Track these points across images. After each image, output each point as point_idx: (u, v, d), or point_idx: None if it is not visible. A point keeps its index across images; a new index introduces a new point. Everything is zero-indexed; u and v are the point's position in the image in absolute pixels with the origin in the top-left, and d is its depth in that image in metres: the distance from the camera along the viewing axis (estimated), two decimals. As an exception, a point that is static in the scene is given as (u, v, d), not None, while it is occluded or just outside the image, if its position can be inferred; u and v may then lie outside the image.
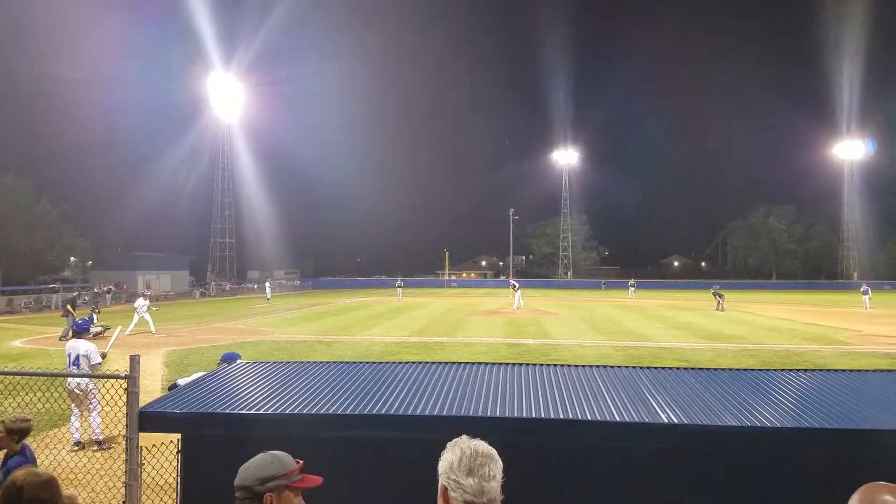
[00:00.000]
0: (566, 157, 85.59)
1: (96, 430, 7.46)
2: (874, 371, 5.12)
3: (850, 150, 76.60)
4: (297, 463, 2.02)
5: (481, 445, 1.68)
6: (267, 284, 45.15)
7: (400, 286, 48.86)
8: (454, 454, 1.65)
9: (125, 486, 3.78)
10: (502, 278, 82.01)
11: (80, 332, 8.19)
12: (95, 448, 7.14)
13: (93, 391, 7.68)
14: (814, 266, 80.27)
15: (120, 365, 7.83)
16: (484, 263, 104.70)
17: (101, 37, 58.62)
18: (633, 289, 45.61)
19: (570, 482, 3.58)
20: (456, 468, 1.62)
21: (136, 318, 21.01)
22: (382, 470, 3.45)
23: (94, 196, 58.40)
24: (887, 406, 3.93)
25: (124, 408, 3.84)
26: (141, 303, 21.46)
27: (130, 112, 60.40)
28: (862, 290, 34.71)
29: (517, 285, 33.67)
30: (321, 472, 3.69)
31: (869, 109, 74.01)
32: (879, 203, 73.18)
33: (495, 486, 1.61)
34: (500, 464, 1.67)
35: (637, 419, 3.52)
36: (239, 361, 5.36)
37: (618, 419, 3.52)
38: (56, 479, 2.29)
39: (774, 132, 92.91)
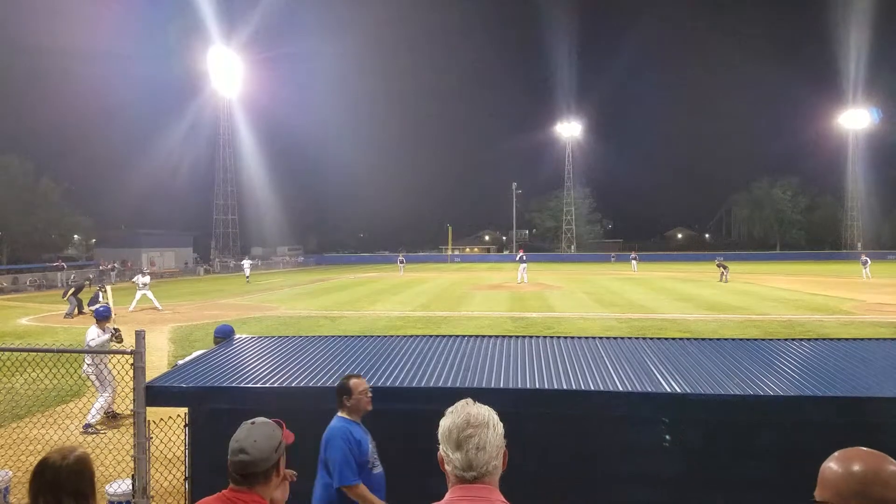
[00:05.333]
0: (569, 130, 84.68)
1: (90, 413, 7.50)
2: (877, 340, 5.12)
3: (855, 120, 75.44)
4: (277, 421, 2.05)
5: (475, 412, 1.61)
6: (245, 263, 42.98)
7: (402, 262, 48.76)
8: (448, 421, 1.61)
9: (134, 460, 3.83)
10: (506, 252, 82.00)
11: (98, 318, 8.31)
12: (82, 430, 7.21)
13: (93, 380, 7.71)
14: (818, 236, 79.84)
15: (126, 341, 7.87)
16: (487, 238, 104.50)
17: (100, 11, 57.84)
18: (635, 262, 46.03)
19: (575, 452, 3.62)
20: (446, 439, 1.58)
21: (137, 294, 21.25)
22: (389, 442, 3.49)
23: (96, 174, 58.34)
24: (890, 374, 3.93)
25: (131, 382, 3.88)
26: (140, 279, 21.69)
27: (131, 88, 59.97)
28: (861, 260, 34.56)
29: (525, 258, 33.21)
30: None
31: (873, 78, 72.64)
32: (884, 172, 72.46)
33: (484, 457, 1.54)
34: (495, 430, 1.59)
35: (641, 389, 3.53)
36: (243, 336, 5.39)
37: (621, 389, 3.54)
38: (87, 457, 2.25)
39: (778, 102, 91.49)
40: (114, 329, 8.29)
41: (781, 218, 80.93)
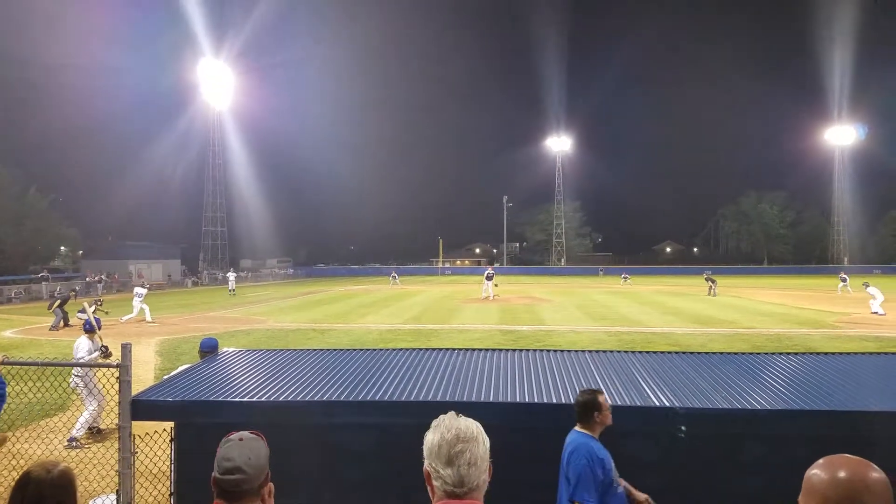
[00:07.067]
0: (560, 145, 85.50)
1: (75, 426, 7.38)
2: (863, 354, 5.18)
3: (841, 136, 76.86)
4: (257, 434, 2.03)
5: (464, 426, 1.59)
6: (230, 276, 42.28)
7: (394, 277, 48.54)
8: (435, 436, 1.58)
9: (118, 475, 3.78)
10: (497, 265, 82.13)
11: (86, 331, 8.23)
12: (66, 445, 7.09)
13: (81, 389, 7.60)
14: (805, 251, 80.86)
15: (113, 354, 7.77)
16: (478, 251, 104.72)
17: (89, 23, 57.72)
18: (627, 278, 48.50)
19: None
20: (435, 455, 1.56)
21: (142, 306, 21.10)
22: (377, 455, 3.47)
23: (84, 185, 58.00)
24: (875, 388, 3.98)
25: (117, 396, 3.83)
26: (139, 291, 21.51)
27: (120, 100, 59.90)
28: (840, 276, 34.79)
29: (492, 274, 31.76)
30: (318, 458, 3.71)
31: (859, 94, 74.30)
32: (870, 188, 73.75)
33: (475, 472, 1.54)
34: (483, 444, 1.58)
35: (629, 403, 3.54)
36: (231, 349, 5.34)
37: (610, 403, 3.55)
38: (71, 471, 2.22)
39: (766, 118, 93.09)
40: (103, 347, 8.17)
41: (768, 232, 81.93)
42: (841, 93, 74.21)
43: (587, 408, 3.23)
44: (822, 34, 72.75)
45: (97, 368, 7.42)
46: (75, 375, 7.62)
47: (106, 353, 8.02)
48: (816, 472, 1.36)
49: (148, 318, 20.66)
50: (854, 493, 1.29)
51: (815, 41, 74.24)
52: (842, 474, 1.32)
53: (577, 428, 3.27)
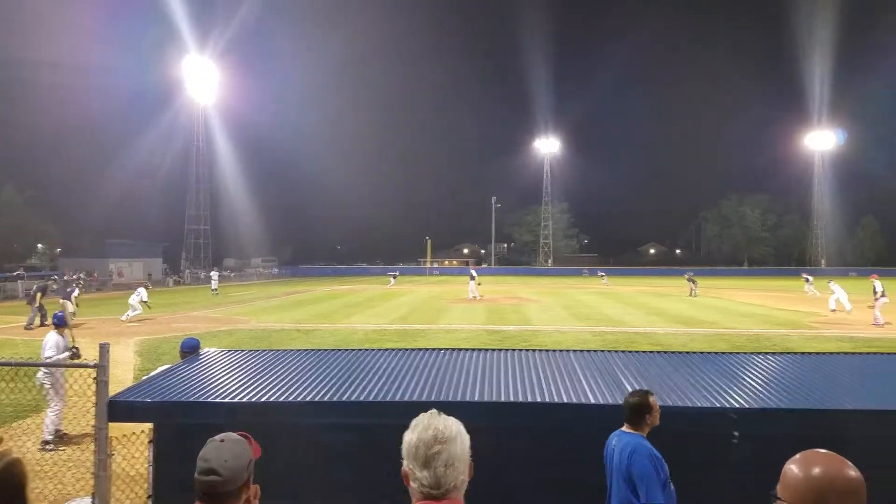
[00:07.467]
0: (547, 146, 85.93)
1: (45, 429, 7.18)
2: (838, 354, 5.27)
3: (821, 140, 78.30)
4: (245, 435, 2.00)
5: (442, 425, 1.57)
6: (213, 275, 41.59)
7: (394, 276, 48.45)
8: (413, 436, 1.56)
9: (94, 477, 3.71)
10: (485, 266, 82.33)
11: (56, 324, 7.97)
12: (40, 447, 6.90)
13: (48, 389, 7.34)
14: (785, 253, 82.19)
15: (90, 354, 7.60)
16: (466, 251, 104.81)
17: (71, 19, 56.76)
18: (604, 277, 49.94)
19: (548, 463, 3.62)
20: (412, 456, 1.54)
21: (139, 305, 20.83)
22: (363, 456, 3.44)
23: (63, 182, 56.85)
24: (850, 387, 4.05)
25: (94, 397, 3.75)
26: (140, 291, 21.25)
27: (102, 96, 58.88)
28: (803, 277, 35.70)
29: (475, 275, 31.76)
30: (302, 459, 3.68)
31: (839, 100, 75.84)
32: (848, 192, 75.18)
33: (453, 473, 1.52)
34: (462, 443, 1.56)
35: (612, 401, 3.57)
36: (212, 350, 5.28)
37: (593, 402, 3.57)
38: (19, 462, 2.09)
39: (748, 122, 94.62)
40: (74, 348, 7.89)
41: (749, 235, 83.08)
42: (821, 98, 75.77)
43: (639, 409, 3.23)
44: (803, 41, 74.16)
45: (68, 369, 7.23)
46: (43, 372, 7.38)
47: (75, 354, 7.73)
48: (792, 466, 1.40)
49: (124, 316, 20.42)
50: (823, 492, 1.32)
51: (796, 48, 75.62)
52: (816, 470, 1.35)
53: (625, 429, 3.25)
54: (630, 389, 3.70)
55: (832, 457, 1.39)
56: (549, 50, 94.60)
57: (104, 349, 3.83)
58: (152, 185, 61.93)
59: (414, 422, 1.62)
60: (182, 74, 59.54)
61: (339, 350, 5.24)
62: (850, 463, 1.37)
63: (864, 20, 80.00)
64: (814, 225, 79.70)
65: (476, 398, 3.69)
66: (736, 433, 3.47)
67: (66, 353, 7.67)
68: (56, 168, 56.24)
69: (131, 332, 17.83)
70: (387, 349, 5.19)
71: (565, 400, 3.61)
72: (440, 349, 5.07)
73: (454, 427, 1.59)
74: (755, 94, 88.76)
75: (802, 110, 77.84)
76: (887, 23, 75.14)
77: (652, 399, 3.27)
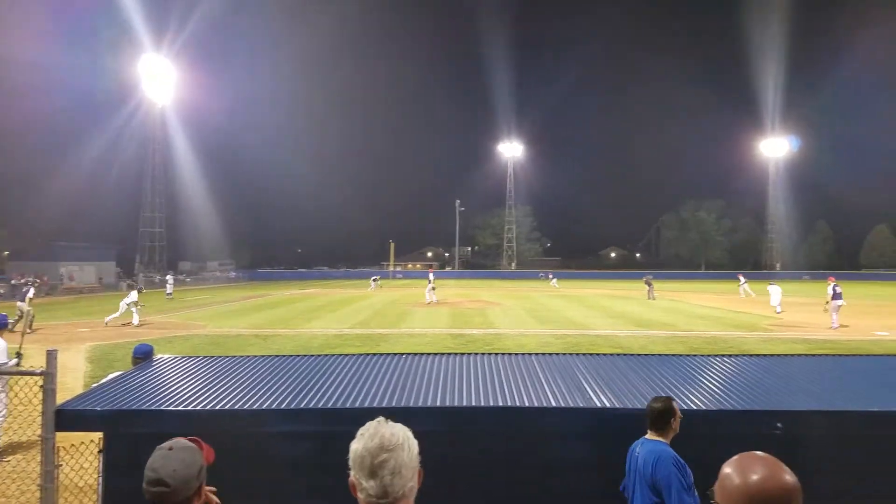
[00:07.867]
0: (511, 150, 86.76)
1: None
2: (793, 356, 5.47)
3: (775, 147, 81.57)
4: (195, 441, 1.94)
5: (388, 433, 1.54)
6: (168, 278, 41.55)
7: (376, 279, 47.67)
8: (359, 445, 1.53)
9: (40, 489, 3.53)
10: (448, 269, 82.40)
11: None
12: None
13: None
14: (740, 257, 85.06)
15: (36, 361, 7.25)
16: (430, 255, 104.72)
17: (19, 14, 54.27)
18: (554, 280, 51.08)
19: (510, 467, 3.63)
20: (359, 466, 1.51)
21: (134, 311, 20.23)
22: (320, 464, 3.38)
23: (14, 185, 54.23)
24: (804, 388, 4.20)
25: (40, 406, 3.58)
26: (134, 295, 20.65)
27: (53, 94, 56.35)
28: (739, 278, 37.49)
29: (432, 278, 31.65)
30: (257, 467, 3.58)
31: (792, 109, 79.36)
32: (801, 197, 78.57)
33: (400, 482, 1.49)
34: (410, 450, 1.54)
35: (573, 404, 3.60)
36: (166, 356, 5.11)
37: (554, 405, 3.60)
38: None
39: (706, 130, 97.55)
40: (17, 354, 7.50)
41: (706, 239, 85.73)
42: (775, 106, 79.03)
43: (664, 415, 3.22)
44: (757, 50, 77.20)
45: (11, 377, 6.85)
46: None
47: (17, 360, 7.34)
48: (729, 470, 1.41)
49: (106, 319, 19.92)
50: (764, 497, 1.34)
51: (750, 57, 78.60)
52: (754, 477, 1.36)
53: (649, 436, 3.24)
54: (591, 392, 3.75)
55: (769, 461, 1.39)
56: (511, 55, 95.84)
57: (52, 356, 3.66)
58: (106, 186, 59.62)
59: (360, 430, 1.58)
60: (138, 73, 57.69)
61: (298, 356, 5.14)
62: (786, 467, 1.38)
63: (816, 30, 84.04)
64: (768, 229, 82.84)
65: (437, 403, 3.67)
66: (779, 424, 3.49)
67: (14, 361, 7.29)
68: (3, 168, 53.58)
69: (82, 337, 17.13)
70: (347, 354, 5.12)
71: (527, 403, 3.63)
72: (402, 354, 5.03)
73: (401, 434, 1.56)
74: (712, 102, 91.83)
75: (757, 118, 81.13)
76: (839, 33, 79.06)
77: (675, 404, 3.28)
